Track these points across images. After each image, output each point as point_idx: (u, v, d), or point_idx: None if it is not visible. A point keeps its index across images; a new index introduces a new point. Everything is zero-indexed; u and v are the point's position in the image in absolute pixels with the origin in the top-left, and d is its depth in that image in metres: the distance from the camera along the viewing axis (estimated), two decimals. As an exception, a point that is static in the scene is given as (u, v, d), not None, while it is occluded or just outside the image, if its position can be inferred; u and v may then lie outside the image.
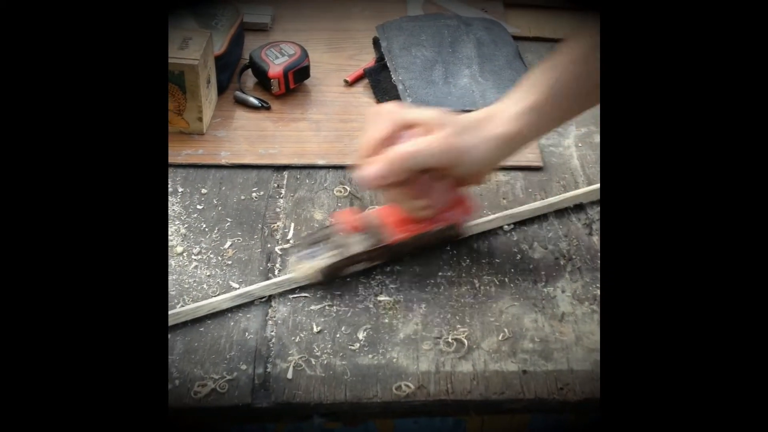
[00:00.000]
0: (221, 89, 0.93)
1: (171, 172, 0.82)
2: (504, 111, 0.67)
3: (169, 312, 0.66)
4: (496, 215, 0.78)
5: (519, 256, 0.75)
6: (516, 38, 1.05)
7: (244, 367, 0.64)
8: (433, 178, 0.67)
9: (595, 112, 0.69)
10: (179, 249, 0.74)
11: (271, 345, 0.66)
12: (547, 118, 0.68)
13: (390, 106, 0.68)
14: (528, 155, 0.87)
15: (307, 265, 0.70)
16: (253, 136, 0.88)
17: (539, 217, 0.79)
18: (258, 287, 0.69)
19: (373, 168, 0.63)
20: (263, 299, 0.69)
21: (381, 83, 0.96)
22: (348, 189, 0.82)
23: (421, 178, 0.66)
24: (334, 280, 0.71)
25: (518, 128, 0.66)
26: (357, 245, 0.71)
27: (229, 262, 0.73)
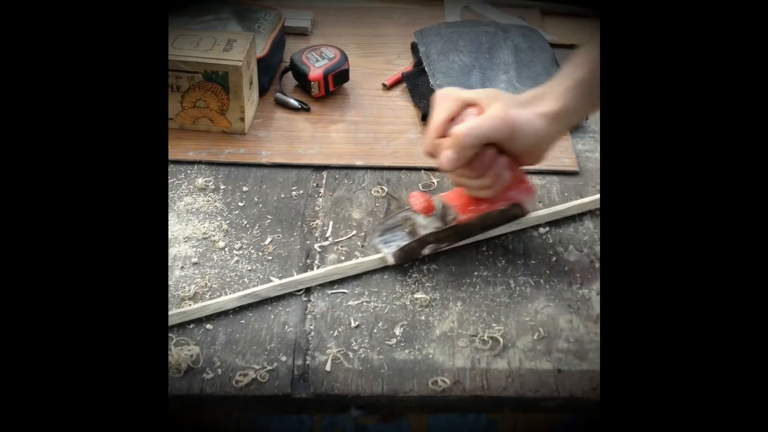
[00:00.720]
0: (262, 91, 0.96)
1: (213, 169, 0.85)
2: (552, 89, 0.71)
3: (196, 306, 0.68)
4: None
5: (554, 258, 0.76)
6: (553, 45, 1.06)
7: (284, 358, 0.65)
8: (493, 156, 0.70)
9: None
10: (221, 244, 0.76)
11: (310, 338, 0.67)
12: (591, 94, 0.70)
13: (451, 89, 0.73)
14: (564, 160, 0.88)
15: (384, 250, 0.74)
16: (293, 136, 0.90)
17: (575, 221, 0.80)
18: (265, 288, 0.71)
19: (446, 153, 0.68)
20: (300, 292, 0.71)
21: (419, 87, 0.97)
22: (385, 189, 0.83)
23: (482, 156, 0.69)
24: (406, 263, 0.75)
25: (565, 104, 0.70)
26: (426, 228, 0.74)
27: (269, 258, 0.75)
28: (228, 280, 0.72)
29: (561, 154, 0.89)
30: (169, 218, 0.78)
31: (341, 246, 0.76)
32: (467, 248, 0.76)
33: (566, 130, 0.73)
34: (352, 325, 0.68)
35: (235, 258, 0.75)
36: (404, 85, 0.99)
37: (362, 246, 0.76)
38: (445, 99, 0.71)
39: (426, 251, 0.75)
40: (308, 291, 0.72)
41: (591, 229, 0.79)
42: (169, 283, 0.71)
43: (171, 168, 0.84)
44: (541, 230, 0.79)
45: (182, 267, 0.73)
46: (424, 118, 0.93)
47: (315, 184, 0.84)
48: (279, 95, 0.95)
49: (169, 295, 0.70)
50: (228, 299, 0.69)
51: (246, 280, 0.72)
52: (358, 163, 0.87)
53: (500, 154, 0.70)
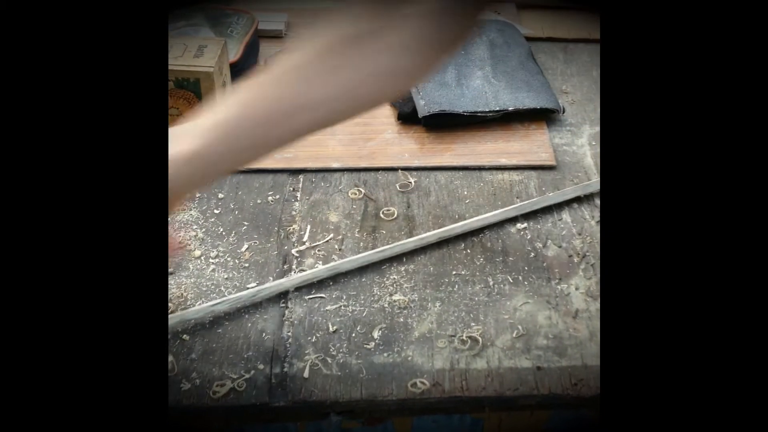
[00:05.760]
0: (237, 96, 0.95)
1: (188, 177, 0.84)
2: (194, 126, 0.57)
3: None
4: (500, 210, 0.79)
5: (533, 254, 0.75)
6: (529, 39, 1.05)
7: (261, 366, 0.65)
8: None
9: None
10: (197, 253, 0.75)
11: (288, 345, 0.67)
12: (240, 139, 0.57)
13: None
14: (541, 155, 0.87)
15: None
16: (269, 141, 0.89)
17: (552, 216, 0.79)
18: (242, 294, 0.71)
19: None
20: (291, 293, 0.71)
21: (394, 86, 0.97)
22: (362, 191, 0.83)
23: None
24: None
25: (202, 145, 0.55)
26: None
27: (246, 265, 0.74)
28: (204, 289, 0.71)
29: (538, 149, 0.88)
30: (145, 229, 0.77)
31: (318, 250, 0.76)
32: (446, 248, 0.76)
33: (207, 177, 0.58)
34: (330, 330, 0.68)
35: (212, 266, 0.74)
36: (380, 84, 0.99)
37: (339, 249, 0.76)
38: None
39: None
40: (285, 297, 0.71)
41: (569, 223, 0.79)
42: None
43: (146, 177, 0.83)
44: (519, 226, 0.78)
45: (158, 278, 0.72)
46: (400, 117, 0.93)
47: (291, 189, 0.83)
48: (254, 100, 0.94)
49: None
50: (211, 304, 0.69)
51: (222, 288, 0.72)
52: (335, 165, 0.86)
53: None
